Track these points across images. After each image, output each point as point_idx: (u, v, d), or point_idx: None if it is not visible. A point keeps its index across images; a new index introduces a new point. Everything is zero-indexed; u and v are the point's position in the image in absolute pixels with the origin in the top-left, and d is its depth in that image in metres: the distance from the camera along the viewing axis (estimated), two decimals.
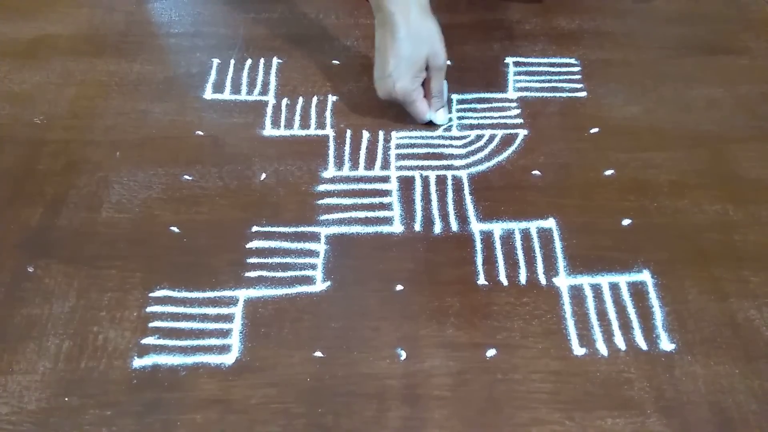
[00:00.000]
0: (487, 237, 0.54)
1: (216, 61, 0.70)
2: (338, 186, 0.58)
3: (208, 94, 0.67)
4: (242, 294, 0.50)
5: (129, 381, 0.45)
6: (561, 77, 0.68)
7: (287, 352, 0.47)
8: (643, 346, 0.47)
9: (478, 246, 0.53)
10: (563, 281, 0.51)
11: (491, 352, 0.47)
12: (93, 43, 0.73)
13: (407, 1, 0.57)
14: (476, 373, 0.46)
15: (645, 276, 0.51)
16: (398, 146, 0.61)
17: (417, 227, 0.55)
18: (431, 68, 0.59)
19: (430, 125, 0.63)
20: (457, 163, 0.60)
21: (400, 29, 0.57)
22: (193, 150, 0.61)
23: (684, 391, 0.45)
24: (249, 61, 0.70)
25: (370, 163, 0.60)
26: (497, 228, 0.55)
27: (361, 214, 0.56)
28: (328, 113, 0.64)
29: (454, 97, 0.66)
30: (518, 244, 0.53)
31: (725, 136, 0.62)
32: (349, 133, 0.63)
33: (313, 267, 0.52)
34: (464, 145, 0.61)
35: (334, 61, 0.70)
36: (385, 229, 0.55)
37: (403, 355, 0.47)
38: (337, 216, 0.55)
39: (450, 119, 0.63)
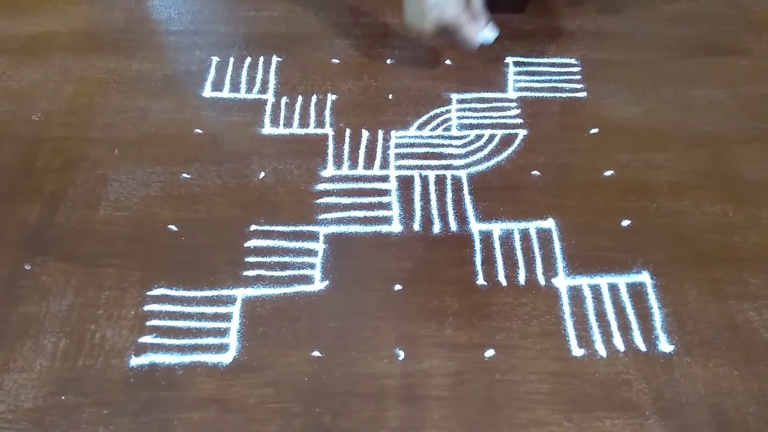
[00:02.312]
0: (486, 237, 0.54)
1: (215, 59, 0.70)
2: (337, 185, 0.58)
3: (207, 92, 0.66)
4: (240, 293, 0.50)
5: (126, 380, 0.45)
6: (561, 77, 0.68)
7: (285, 352, 0.47)
8: (642, 347, 0.47)
9: (477, 246, 0.53)
10: (562, 282, 0.51)
11: (490, 353, 0.47)
12: (92, 40, 0.72)
13: None
14: (475, 373, 0.46)
15: (644, 277, 0.51)
16: (397, 146, 0.61)
17: (416, 227, 0.55)
18: None
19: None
20: (456, 162, 0.60)
21: None
22: (191, 148, 0.61)
23: (683, 393, 0.45)
24: (248, 59, 0.70)
25: (369, 163, 0.60)
26: (496, 228, 0.54)
27: (360, 214, 0.56)
28: (327, 112, 0.64)
29: (454, 96, 0.66)
30: (517, 244, 0.53)
31: (726, 137, 0.62)
32: (348, 132, 0.62)
33: (312, 266, 0.52)
34: (464, 145, 0.61)
35: (333, 60, 0.70)
36: (384, 228, 0.55)
37: (402, 355, 0.47)
38: (336, 215, 0.55)
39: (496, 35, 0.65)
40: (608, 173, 0.59)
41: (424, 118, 0.64)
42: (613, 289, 0.50)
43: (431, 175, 0.59)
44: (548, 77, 0.68)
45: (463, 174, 0.59)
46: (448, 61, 0.69)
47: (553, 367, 0.46)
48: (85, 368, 0.46)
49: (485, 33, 0.64)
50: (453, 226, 0.55)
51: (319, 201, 0.56)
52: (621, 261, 0.52)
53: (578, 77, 0.68)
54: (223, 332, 0.48)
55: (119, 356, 0.46)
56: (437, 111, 0.64)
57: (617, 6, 0.77)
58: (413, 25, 0.63)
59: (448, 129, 0.63)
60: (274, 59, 0.70)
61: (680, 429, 0.43)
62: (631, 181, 0.58)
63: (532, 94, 0.66)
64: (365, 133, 0.62)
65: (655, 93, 0.66)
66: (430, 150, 0.61)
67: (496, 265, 0.52)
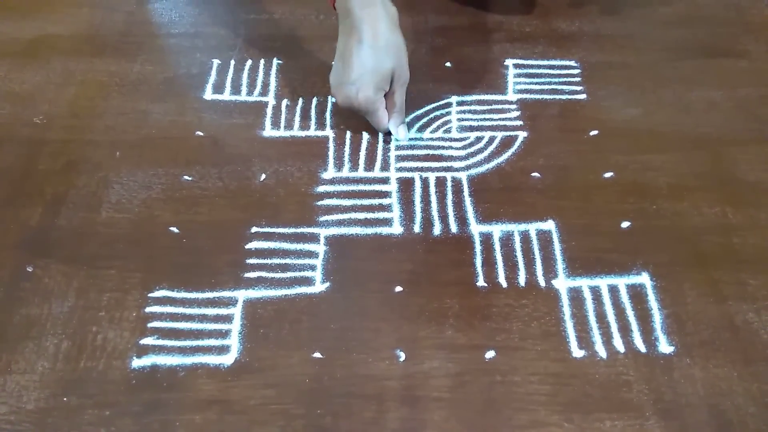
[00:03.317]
0: (487, 239, 0.54)
1: (216, 62, 0.70)
2: (338, 187, 0.58)
3: (208, 94, 0.67)
4: (241, 295, 0.50)
5: (128, 381, 0.45)
6: (561, 79, 0.68)
7: (286, 353, 0.47)
8: (642, 348, 0.47)
9: (478, 248, 0.53)
10: (562, 283, 0.51)
11: (490, 354, 0.47)
12: (93, 43, 0.73)
13: (378, 11, 0.56)
14: (475, 374, 0.46)
15: (644, 278, 0.51)
16: (398, 148, 0.61)
17: (416, 229, 0.55)
18: (395, 82, 0.58)
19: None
20: (456, 164, 0.60)
21: (368, 38, 0.55)
22: (192, 150, 0.61)
23: (682, 394, 0.45)
24: (249, 62, 0.70)
25: (369, 165, 0.60)
26: (496, 230, 0.55)
27: (361, 216, 0.56)
28: (327, 114, 0.65)
29: (454, 99, 0.66)
30: (517, 245, 0.53)
31: (724, 138, 0.62)
32: (348, 134, 0.63)
33: (313, 268, 0.52)
34: (464, 147, 0.62)
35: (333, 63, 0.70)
36: (384, 230, 0.55)
37: (402, 356, 0.47)
38: (337, 217, 0.56)
39: (407, 138, 0.62)
40: (608, 175, 0.59)
41: (425, 120, 0.64)
42: (613, 290, 0.51)
43: (431, 177, 0.59)
44: (548, 79, 0.68)
45: (463, 176, 0.59)
46: (448, 64, 0.69)
47: (554, 368, 0.46)
48: (87, 370, 0.46)
49: (398, 131, 0.60)
50: (453, 227, 0.55)
51: (319, 203, 0.57)
52: (621, 262, 0.52)
53: (578, 79, 0.68)
54: (225, 334, 0.48)
55: (121, 358, 0.46)
56: (437, 113, 0.65)
57: (616, 8, 0.77)
58: (331, 88, 0.59)
59: (448, 131, 0.63)
60: (275, 62, 0.70)
61: (680, 430, 0.43)
62: (631, 182, 0.58)
63: (532, 96, 0.66)
64: (366, 135, 0.62)
65: (654, 95, 0.66)
66: (431, 152, 0.61)
67: (497, 267, 0.52)
